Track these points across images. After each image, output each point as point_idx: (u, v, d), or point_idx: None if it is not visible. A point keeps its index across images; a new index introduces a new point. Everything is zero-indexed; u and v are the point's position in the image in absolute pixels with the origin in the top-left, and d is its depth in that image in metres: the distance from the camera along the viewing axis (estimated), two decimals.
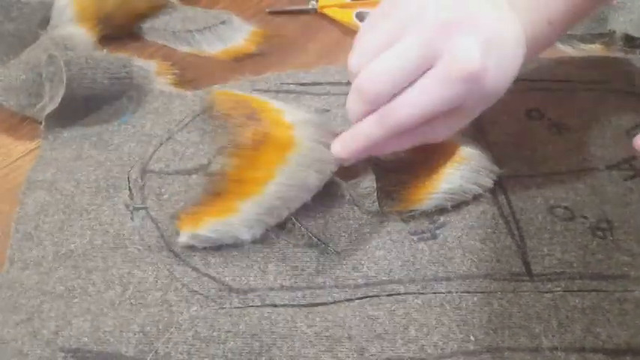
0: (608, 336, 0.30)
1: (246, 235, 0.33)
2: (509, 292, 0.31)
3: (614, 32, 0.48)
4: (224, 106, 0.37)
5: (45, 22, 0.46)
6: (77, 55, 0.41)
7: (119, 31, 0.48)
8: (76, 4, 0.45)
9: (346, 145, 0.33)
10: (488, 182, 0.36)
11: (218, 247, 0.34)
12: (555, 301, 0.31)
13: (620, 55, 0.48)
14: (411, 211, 0.35)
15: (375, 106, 0.30)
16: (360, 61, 0.31)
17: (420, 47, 0.29)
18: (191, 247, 0.34)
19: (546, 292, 0.31)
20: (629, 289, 0.31)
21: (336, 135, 0.34)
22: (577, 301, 0.31)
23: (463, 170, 0.35)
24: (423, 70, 0.29)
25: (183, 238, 0.33)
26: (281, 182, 0.33)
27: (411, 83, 0.30)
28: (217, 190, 0.34)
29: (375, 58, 0.30)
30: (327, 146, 0.34)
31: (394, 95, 0.30)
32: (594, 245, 0.34)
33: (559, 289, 0.31)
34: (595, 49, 0.49)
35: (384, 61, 0.29)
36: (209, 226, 0.33)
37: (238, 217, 0.33)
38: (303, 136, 0.34)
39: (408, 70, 0.29)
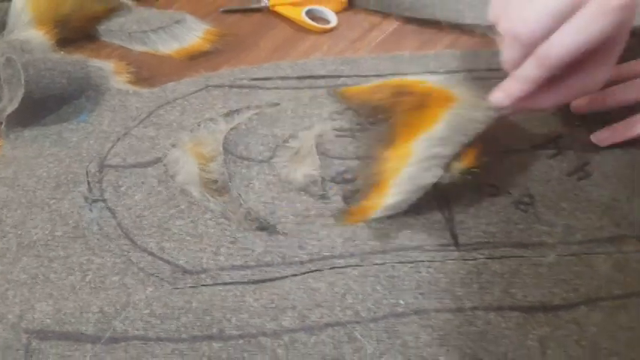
0: (523, 295, 0.33)
1: (428, 178, 0.34)
2: (437, 261, 0.35)
3: None
4: (364, 98, 0.40)
5: (1, 26, 0.47)
6: (35, 58, 0.43)
7: (76, 34, 0.49)
8: (33, 8, 0.46)
9: (508, 92, 0.35)
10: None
11: (172, 234, 0.36)
12: (478, 267, 0.34)
13: None
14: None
15: (531, 48, 0.32)
16: (507, 8, 0.33)
17: None
18: (147, 234, 0.36)
19: (470, 260, 0.35)
20: (545, 255, 0.35)
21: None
22: (497, 266, 0.34)
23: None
24: (576, 7, 0.31)
25: (379, 214, 0.35)
26: (448, 120, 0.35)
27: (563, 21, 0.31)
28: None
29: (523, 4, 0.32)
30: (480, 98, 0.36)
31: (548, 36, 0.32)
32: (516, 217, 0.37)
33: (482, 256, 0.35)
34: None
35: (537, 5, 0.31)
36: (394, 190, 0.35)
37: (414, 159, 0.34)
38: (459, 92, 0.36)
39: (562, 9, 0.31)
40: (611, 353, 0.31)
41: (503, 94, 0.35)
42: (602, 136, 0.41)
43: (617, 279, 0.34)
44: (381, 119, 0.39)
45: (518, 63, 0.34)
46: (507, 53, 0.34)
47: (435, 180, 0.35)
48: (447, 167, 0.35)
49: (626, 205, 0.37)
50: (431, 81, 0.39)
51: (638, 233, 0.36)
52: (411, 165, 0.35)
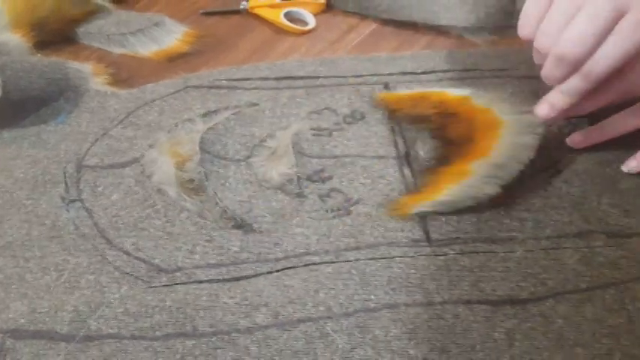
0: (492, 289, 0.34)
1: (484, 192, 0.35)
2: (409, 257, 0.35)
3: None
4: (405, 108, 0.42)
5: None
6: (12, 60, 0.44)
7: (54, 37, 0.50)
8: (10, 10, 0.47)
9: (554, 105, 0.37)
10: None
11: (148, 234, 0.37)
12: (448, 262, 0.35)
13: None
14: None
15: (577, 67, 0.34)
16: (547, 25, 0.34)
17: (610, 2, 0.32)
18: (122, 234, 0.37)
19: (441, 255, 0.35)
20: (514, 250, 0.36)
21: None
22: (467, 261, 0.35)
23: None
24: (614, 23, 0.32)
25: (423, 208, 0.36)
26: (502, 148, 0.36)
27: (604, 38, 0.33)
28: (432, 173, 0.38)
29: (566, 26, 0.33)
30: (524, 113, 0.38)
31: (592, 53, 0.33)
32: (487, 214, 0.38)
33: (452, 252, 0.35)
34: (502, 40, 0.53)
35: (580, 25, 0.33)
36: (448, 191, 0.36)
37: (473, 177, 0.36)
38: (501, 112, 0.38)
39: (603, 26, 0.32)
40: (576, 344, 0.31)
41: (550, 108, 0.37)
42: (576, 139, 0.41)
43: (583, 273, 0.34)
44: (430, 139, 0.41)
45: (562, 79, 0.35)
46: (551, 71, 0.35)
47: (489, 196, 0.36)
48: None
49: (595, 201, 0.38)
50: (471, 97, 0.40)
51: (606, 229, 0.37)
52: (470, 178, 0.36)
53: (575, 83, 0.35)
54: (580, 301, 0.33)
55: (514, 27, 0.53)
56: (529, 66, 0.49)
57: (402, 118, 0.43)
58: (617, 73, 0.35)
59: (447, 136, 0.40)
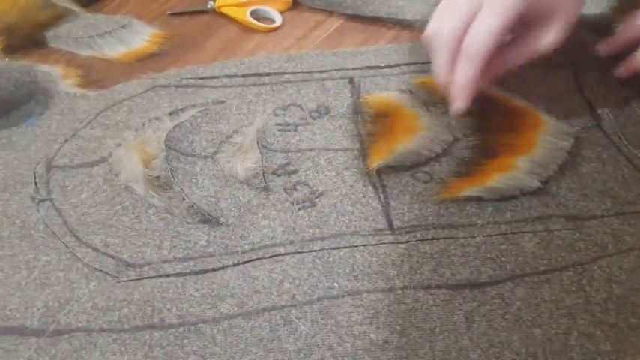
0: (451, 274, 0.35)
1: (527, 184, 0.38)
2: (372, 245, 0.36)
3: None
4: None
5: None
6: None
7: (23, 41, 0.50)
8: None
9: (459, 97, 0.39)
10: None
11: (117, 230, 0.38)
12: (409, 249, 0.36)
13: None
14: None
15: (452, 52, 0.38)
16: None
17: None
18: (92, 231, 0.37)
19: (403, 243, 0.36)
20: (473, 235, 0.37)
21: None
22: (427, 247, 0.36)
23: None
24: (474, 14, 0.37)
25: (471, 193, 0.38)
26: (543, 147, 0.40)
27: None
28: (476, 162, 0.41)
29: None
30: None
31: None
32: (449, 201, 0.39)
33: (414, 239, 0.37)
34: None
35: (450, 16, 0.38)
36: (499, 178, 0.38)
37: (519, 171, 0.38)
38: (543, 116, 0.42)
39: (466, 16, 0.37)
40: (533, 325, 0.33)
41: (459, 102, 0.39)
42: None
43: (542, 256, 0.36)
44: (472, 129, 0.43)
45: (446, 69, 0.39)
46: (436, 61, 0.39)
47: (531, 188, 0.38)
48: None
49: (555, 186, 0.39)
50: (513, 99, 0.43)
51: (564, 213, 0.38)
52: (515, 171, 0.39)
53: (461, 67, 0.38)
54: (538, 283, 0.34)
55: None
56: None
57: (437, 102, 0.44)
58: (524, 33, 0.39)
59: (488, 126, 0.43)
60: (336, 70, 0.49)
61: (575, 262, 0.35)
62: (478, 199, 0.38)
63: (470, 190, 0.38)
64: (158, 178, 0.39)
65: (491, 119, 0.43)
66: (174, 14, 0.56)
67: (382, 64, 0.49)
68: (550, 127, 0.41)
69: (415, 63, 0.50)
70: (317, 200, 0.40)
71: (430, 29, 0.40)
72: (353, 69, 0.49)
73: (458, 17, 0.37)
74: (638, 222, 0.37)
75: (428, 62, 0.50)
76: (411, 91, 0.47)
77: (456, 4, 0.38)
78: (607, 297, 0.33)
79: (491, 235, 0.37)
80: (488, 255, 0.36)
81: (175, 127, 0.43)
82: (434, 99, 0.45)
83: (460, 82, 0.38)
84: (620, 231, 0.37)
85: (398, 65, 0.49)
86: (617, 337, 0.32)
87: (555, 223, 0.38)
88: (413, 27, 0.55)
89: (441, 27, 0.39)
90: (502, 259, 0.36)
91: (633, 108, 0.44)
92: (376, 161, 0.40)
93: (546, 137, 0.40)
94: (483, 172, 0.39)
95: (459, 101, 0.39)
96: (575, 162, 0.40)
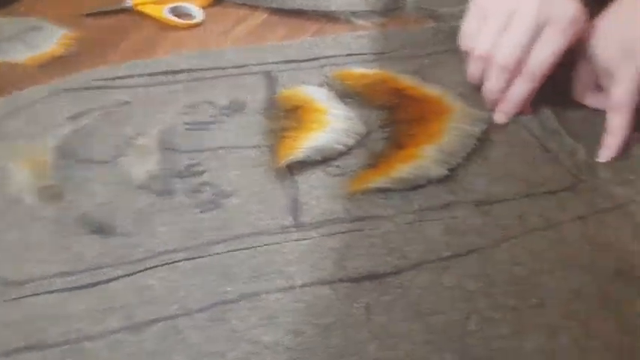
0: (354, 267, 0.33)
1: (434, 173, 0.37)
2: (274, 244, 0.34)
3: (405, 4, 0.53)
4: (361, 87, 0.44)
5: None
6: None
7: None
8: None
9: (508, 112, 0.41)
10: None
11: (1, 247, 0.35)
12: (313, 245, 0.34)
13: (413, 25, 0.52)
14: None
15: (514, 74, 0.40)
16: (487, 42, 0.41)
17: (534, 17, 0.39)
18: None
19: (306, 239, 0.34)
20: (380, 227, 0.35)
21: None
22: (332, 242, 0.34)
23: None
24: (538, 33, 0.39)
25: (378, 184, 0.37)
26: (452, 134, 0.39)
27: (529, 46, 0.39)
28: (385, 154, 0.39)
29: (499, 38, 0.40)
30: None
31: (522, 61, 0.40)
32: (357, 194, 0.37)
33: (318, 235, 0.34)
34: (390, 23, 0.53)
35: (511, 35, 0.40)
36: (405, 168, 0.37)
37: (425, 160, 0.37)
38: (453, 102, 0.41)
39: (530, 36, 0.39)
40: (433, 312, 0.31)
41: (505, 116, 0.42)
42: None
43: (447, 242, 0.34)
44: (385, 120, 0.42)
45: (503, 88, 0.41)
46: (495, 82, 0.41)
47: (438, 177, 0.37)
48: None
49: (463, 172, 0.37)
50: (425, 88, 0.43)
51: (471, 198, 0.36)
52: (421, 161, 0.38)
53: (522, 87, 0.40)
54: (440, 270, 0.32)
55: (403, 9, 0.54)
56: (413, 47, 0.50)
57: (353, 95, 0.44)
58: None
59: (398, 117, 0.41)
60: (253, 64, 0.47)
61: (479, 246, 0.34)
62: (387, 190, 0.36)
63: (378, 181, 0.36)
64: (49, 187, 0.37)
65: (405, 110, 0.41)
66: (90, 14, 0.53)
67: (300, 58, 0.47)
68: (460, 113, 0.39)
69: (336, 56, 0.48)
70: (223, 201, 0.37)
71: (482, 44, 0.41)
72: (272, 63, 0.47)
73: (524, 35, 0.39)
74: (545, 202, 0.36)
75: (350, 55, 0.49)
76: (328, 84, 0.45)
77: (520, 20, 0.39)
78: (509, 279, 0.32)
79: (397, 225, 0.35)
80: (393, 245, 0.34)
81: (73, 132, 0.40)
82: (350, 91, 0.44)
83: (516, 99, 0.41)
84: (527, 213, 0.35)
85: (317, 59, 0.47)
86: (517, 319, 0.30)
87: (462, 209, 0.36)
88: (337, 19, 0.53)
89: (495, 43, 0.40)
90: (406, 248, 0.34)
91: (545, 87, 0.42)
92: (285, 157, 0.38)
93: (455, 124, 0.39)
94: (390, 164, 0.38)
95: (506, 116, 0.41)
96: (485, 147, 0.39)
